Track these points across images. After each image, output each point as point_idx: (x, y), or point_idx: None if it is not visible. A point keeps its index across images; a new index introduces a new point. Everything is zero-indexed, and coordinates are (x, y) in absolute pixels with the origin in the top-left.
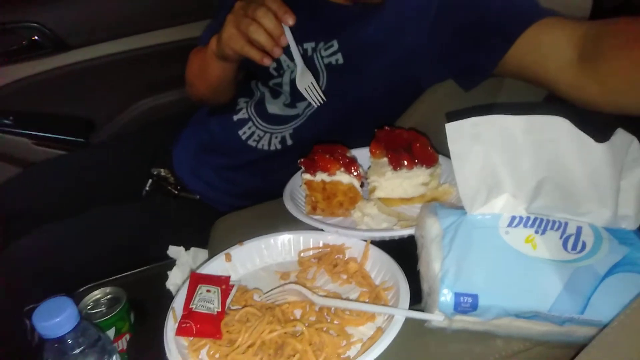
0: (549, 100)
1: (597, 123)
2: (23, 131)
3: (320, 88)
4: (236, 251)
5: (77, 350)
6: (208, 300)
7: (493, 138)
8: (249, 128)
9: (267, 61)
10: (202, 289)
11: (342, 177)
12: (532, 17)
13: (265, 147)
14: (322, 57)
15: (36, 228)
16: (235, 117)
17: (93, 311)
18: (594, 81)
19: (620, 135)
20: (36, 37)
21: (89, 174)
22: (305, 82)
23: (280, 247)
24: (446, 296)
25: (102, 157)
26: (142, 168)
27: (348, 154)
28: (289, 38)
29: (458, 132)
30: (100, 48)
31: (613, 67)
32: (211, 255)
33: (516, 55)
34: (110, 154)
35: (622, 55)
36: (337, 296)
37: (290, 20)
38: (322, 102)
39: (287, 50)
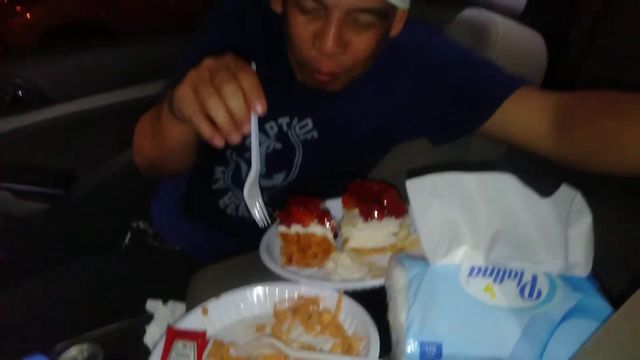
0: (510, 155)
1: (549, 178)
2: (3, 184)
3: (297, 162)
4: (213, 304)
5: None
6: (184, 356)
7: (450, 194)
8: (229, 198)
9: (218, 142)
10: (179, 344)
11: (316, 229)
12: (507, 90)
13: (244, 215)
14: (297, 134)
15: (13, 282)
16: (214, 187)
17: None
18: (570, 148)
19: (564, 190)
20: (19, 93)
21: (69, 229)
22: (254, 196)
23: (256, 299)
24: (412, 346)
25: (82, 210)
26: (121, 220)
27: (322, 206)
28: (254, 128)
29: (418, 189)
30: (83, 102)
31: (585, 138)
32: (189, 308)
33: (492, 125)
34: (90, 207)
35: (592, 127)
36: (311, 348)
37: (260, 109)
38: (267, 225)
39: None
